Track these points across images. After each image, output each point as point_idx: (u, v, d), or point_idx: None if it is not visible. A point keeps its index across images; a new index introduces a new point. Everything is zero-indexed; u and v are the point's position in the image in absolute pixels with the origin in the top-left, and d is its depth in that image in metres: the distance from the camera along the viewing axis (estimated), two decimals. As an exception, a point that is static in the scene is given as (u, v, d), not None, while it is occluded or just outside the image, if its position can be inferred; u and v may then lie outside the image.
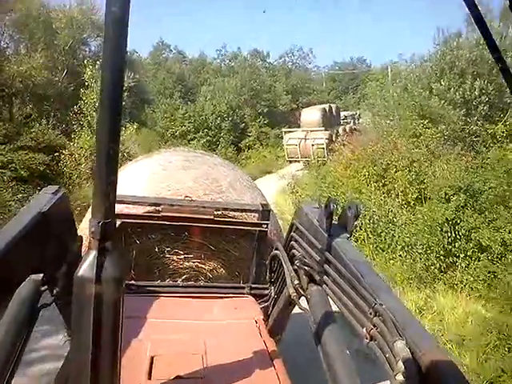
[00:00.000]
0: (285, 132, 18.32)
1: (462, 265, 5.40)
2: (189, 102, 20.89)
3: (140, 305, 1.77)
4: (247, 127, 21.64)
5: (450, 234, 5.49)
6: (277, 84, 24.67)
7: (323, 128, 17.72)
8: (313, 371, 1.39)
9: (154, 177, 2.49)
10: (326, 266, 1.27)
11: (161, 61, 24.81)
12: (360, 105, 28.40)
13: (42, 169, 8.48)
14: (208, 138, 20.39)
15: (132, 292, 1.84)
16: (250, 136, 21.13)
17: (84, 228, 2.18)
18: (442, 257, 5.49)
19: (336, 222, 1.32)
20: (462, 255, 5.43)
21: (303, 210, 1.56)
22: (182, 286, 2.09)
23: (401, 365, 0.77)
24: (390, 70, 24.98)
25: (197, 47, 34.71)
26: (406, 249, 5.88)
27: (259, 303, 1.90)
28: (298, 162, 16.95)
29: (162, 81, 22.81)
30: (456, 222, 5.55)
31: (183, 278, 2.32)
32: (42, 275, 1.14)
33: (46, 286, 1.15)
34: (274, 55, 31.77)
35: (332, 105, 21.81)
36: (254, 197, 2.51)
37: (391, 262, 5.91)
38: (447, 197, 5.86)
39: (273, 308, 1.81)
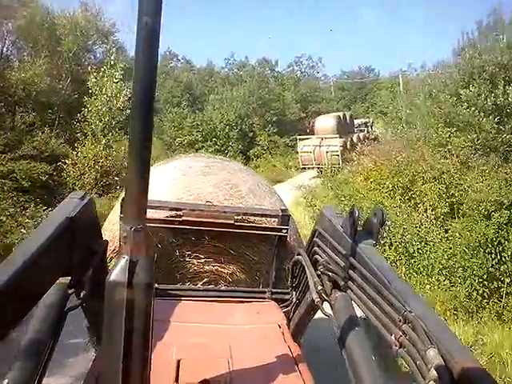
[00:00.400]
0: (299, 139, 19.68)
1: (509, 290, 5.17)
2: (197, 111, 21.96)
3: (163, 308, 1.95)
4: (256, 136, 22.47)
5: (493, 256, 5.23)
6: (285, 93, 25.62)
7: (338, 135, 18.94)
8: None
9: (174, 182, 2.80)
10: (350, 272, 1.36)
11: (168, 70, 25.97)
12: (369, 113, 30.01)
13: (44, 179, 8.90)
14: (216, 146, 21.21)
15: (155, 296, 2.07)
16: (258, 145, 21.95)
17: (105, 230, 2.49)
18: (485, 282, 5.24)
19: (361, 229, 1.41)
20: (507, 280, 5.21)
21: (325, 216, 1.70)
22: (203, 290, 2.31)
23: (434, 373, 0.82)
24: (401, 78, 25.52)
25: (204, 57, 36.75)
26: (443, 272, 5.58)
27: (280, 308, 2.07)
28: (312, 169, 18.19)
29: (169, 89, 23.96)
30: (499, 241, 5.29)
31: (203, 281, 2.57)
32: (69, 279, 1.29)
33: (73, 290, 1.30)
34: (282, 64, 32.97)
35: (346, 113, 23.24)
36: (273, 202, 2.79)
37: (427, 286, 5.58)
38: (488, 213, 5.62)
39: (294, 313, 1.96)
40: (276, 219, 2.39)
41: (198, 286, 2.55)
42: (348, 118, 21.99)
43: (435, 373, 0.81)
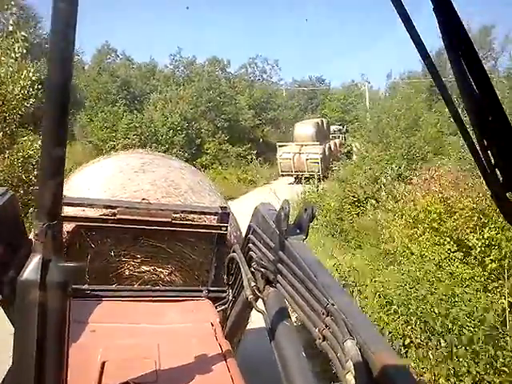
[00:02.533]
0: (279, 146, 21.63)
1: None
2: (135, 111, 20.98)
3: (94, 309, 2.11)
4: (204, 143, 22.35)
5: None
6: (238, 97, 26.05)
7: (318, 142, 20.99)
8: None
9: (110, 179, 3.00)
10: (281, 268, 1.51)
11: (105, 66, 25.19)
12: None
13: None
14: (157, 153, 20.95)
15: (86, 296, 2.20)
16: (207, 153, 21.80)
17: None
18: None
19: (292, 224, 1.57)
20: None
21: (260, 211, 1.89)
22: (138, 290, 2.51)
23: (350, 364, 0.92)
24: (367, 89, 27.78)
25: (147, 54, 36.37)
26: None
27: (217, 306, 2.31)
28: (292, 176, 20.20)
29: (103, 84, 22.98)
30: None
31: (140, 281, 2.78)
32: None
33: None
34: (235, 65, 34.57)
35: (323, 119, 25.41)
36: (214, 200, 3.11)
37: None
38: None
39: (231, 311, 2.18)
40: (216, 217, 2.68)
41: (136, 285, 2.75)
42: (325, 125, 24.09)
43: (351, 363, 0.92)
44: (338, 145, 23.23)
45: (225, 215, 2.64)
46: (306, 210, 1.54)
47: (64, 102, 0.80)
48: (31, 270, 0.85)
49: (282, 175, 20.79)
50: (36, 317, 0.84)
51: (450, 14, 0.68)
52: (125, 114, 20.51)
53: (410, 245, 6.22)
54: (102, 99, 22.57)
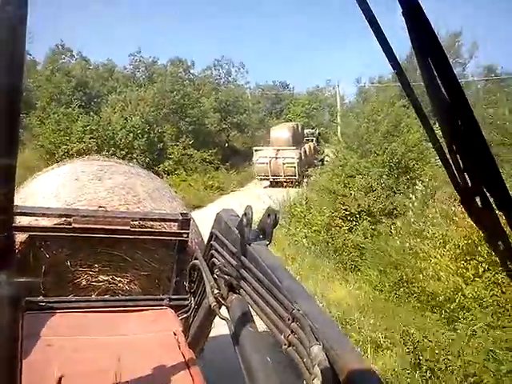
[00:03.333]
0: (255, 150, 22.73)
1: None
2: (91, 113, 20.34)
3: (49, 323, 2.12)
4: (167, 148, 22.11)
5: None
6: (203, 99, 26.09)
7: (294, 147, 22.09)
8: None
9: (65, 187, 3.03)
10: (245, 274, 1.55)
11: (59, 66, 24.43)
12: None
13: None
14: (116, 158, 20.14)
15: (41, 309, 2.21)
16: (170, 158, 21.58)
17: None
18: None
19: (255, 230, 1.60)
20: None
21: (222, 217, 1.94)
22: (96, 301, 2.54)
23: (317, 369, 0.95)
24: (338, 94, 28.79)
25: (105, 55, 35.70)
26: None
27: (179, 314, 2.37)
28: (268, 179, 21.39)
29: (56, 84, 22.26)
30: None
31: (98, 292, 2.83)
32: None
33: None
34: (198, 67, 34.39)
35: (298, 123, 26.80)
36: (174, 206, 3.21)
37: None
38: None
39: (193, 319, 2.26)
40: (176, 224, 2.79)
41: (93, 296, 2.79)
42: (299, 129, 25.21)
43: (318, 369, 0.95)
44: (312, 148, 24.54)
45: (185, 222, 2.72)
46: (269, 215, 1.56)
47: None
48: None
49: (260, 179, 21.84)
50: None
51: (419, 18, 0.68)
52: (80, 116, 19.79)
53: (464, 286, 4.87)
54: (55, 100, 21.84)
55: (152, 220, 2.83)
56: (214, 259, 1.91)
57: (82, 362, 1.80)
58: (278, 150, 21.77)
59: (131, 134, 20.36)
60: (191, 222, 2.82)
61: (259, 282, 1.44)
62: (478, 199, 0.67)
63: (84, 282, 2.84)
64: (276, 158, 21.42)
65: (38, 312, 2.21)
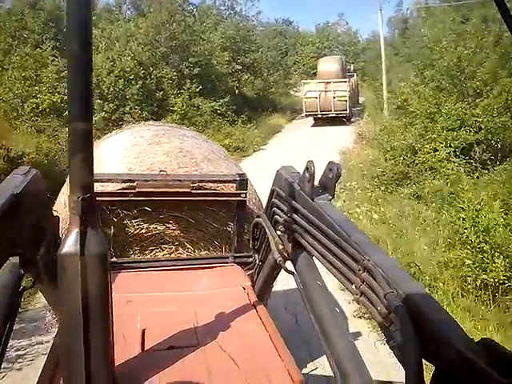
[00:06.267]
0: (304, 83, 27.09)
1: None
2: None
3: (124, 281, 2.91)
4: (168, 97, 22.17)
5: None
6: (208, 34, 26.09)
7: (345, 79, 25.95)
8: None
9: (125, 153, 4.01)
10: (309, 229, 1.94)
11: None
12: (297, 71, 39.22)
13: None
14: (104, 113, 19.65)
15: (115, 269, 3.04)
16: (173, 111, 21.65)
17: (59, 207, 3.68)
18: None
19: (317, 185, 1.99)
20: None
21: (282, 175, 2.37)
22: (164, 260, 3.46)
23: (393, 316, 1.22)
24: (381, 32, 29.46)
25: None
26: None
27: (244, 271, 3.14)
28: (316, 116, 25.66)
29: (19, 17, 21.83)
30: None
31: (164, 252, 3.88)
32: (19, 258, 1.78)
33: (25, 269, 1.81)
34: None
35: (342, 56, 31.43)
36: (230, 167, 4.18)
37: None
38: None
39: (258, 275, 2.86)
40: (234, 184, 3.69)
41: (159, 256, 3.85)
42: (344, 62, 29.01)
43: (395, 316, 1.21)
44: (356, 84, 28.52)
45: (243, 182, 3.61)
46: (330, 169, 1.94)
47: (86, 77, 1.11)
48: (70, 243, 1.18)
49: (307, 115, 26.03)
50: (79, 288, 1.17)
51: None
52: (53, 58, 18.80)
53: None
54: (19, 39, 21.33)
55: (211, 182, 3.76)
56: (276, 216, 2.39)
57: (162, 316, 2.33)
58: (328, 82, 25.34)
59: (121, 81, 20.23)
60: (248, 181, 3.77)
61: (325, 235, 1.80)
62: None
63: (150, 244, 3.88)
64: (326, 91, 25.08)
65: (114, 271, 3.08)
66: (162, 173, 3.78)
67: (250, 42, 30.09)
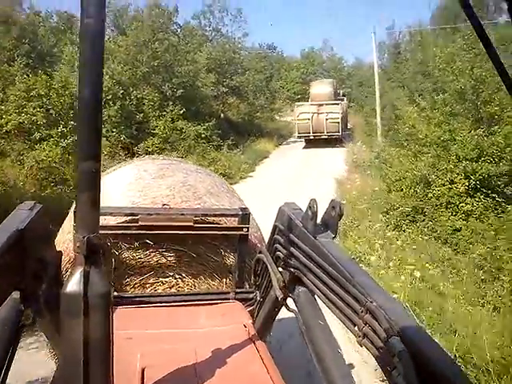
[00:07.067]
0: (296, 105, 29.62)
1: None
2: (40, 72, 18.11)
3: (125, 317, 3.01)
4: (149, 119, 22.40)
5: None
6: (192, 55, 26.56)
7: (338, 101, 28.43)
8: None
9: (129, 187, 4.35)
10: (311, 267, 2.09)
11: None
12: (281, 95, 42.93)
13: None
14: (74, 137, 18.53)
15: (117, 304, 3.30)
16: (154, 134, 21.85)
17: (59, 241, 4.00)
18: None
19: (319, 223, 2.17)
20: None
21: (285, 211, 2.58)
22: (165, 295, 3.76)
23: (396, 360, 1.32)
24: (375, 50, 31.09)
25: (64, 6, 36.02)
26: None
27: (245, 307, 3.30)
28: (308, 138, 28.17)
29: None
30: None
31: (165, 286, 4.19)
32: (20, 293, 1.94)
33: (26, 304, 1.95)
34: (183, 17, 35.44)
35: (334, 80, 34.02)
36: (233, 201, 4.54)
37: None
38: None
39: (259, 312, 3.09)
40: (236, 218, 4.03)
41: (160, 291, 4.16)
42: (335, 85, 31.76)
43: (397, 360, 1.31)
44: (346, 108, 30.99)
45: (245, 216, 3.94)
46: (333, 207, 2.11)
47: (96, 115, 1.24)
48: (74, 282, 1.28)
49: (299, 137, 28.67)
50: (81, 327, 1.26)
51: None
52: (22, 74, 17.87)
53: None
54: None
55: (213, 215, 4.10)
56: (278, 252, 2.59)
57: (162, 354, 2.51)
58: (321, 104, 27.96)
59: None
60: (250, 216, 4.13)
61: (328, 274, 1.95)
62: None
63: (151, 278, 4.20)
64: (318, 113, 27.63)
65: (114, 307, 3.47)
66: (164, 206, 4.13)
67: (236, 64, 31.14)
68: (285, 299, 2.47)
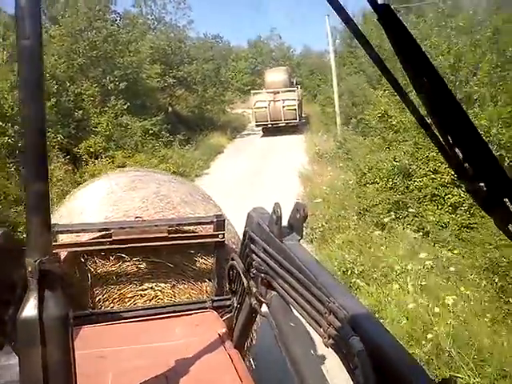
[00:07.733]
0: (253, 93, 31.11)
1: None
2: None
3: (99, 334, 3.18)
4: (89, 117, 21.80)
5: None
6: (138, 45, 26.27)
7: (295, 88, 30.10)
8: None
9: (102, 201, 4.55)
10: (279, 271, 2.24)
11: None
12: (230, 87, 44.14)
13: None
14: (7, 138, 16.76)
15: (90, 322, 3.48)
16: (96, 133, 21.30)
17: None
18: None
19: (285, 226, 2.33)
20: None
21: (253, 216, 2.73)
22: (141, 309, 3.96)
23: (356, 360, 1.41)
24: (330, 43, 31.50)
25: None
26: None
27: (223, 315, 3.47)
28: (266, 126, 29.73)
29: None
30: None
31: (144, 299, 4.45)
32: None
33: None
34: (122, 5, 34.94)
35: (288, 67, 35.59)
36: (208, 208, 4.82)
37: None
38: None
39: (237, 318, 3.22)
40: (211, 225, 4.29)
41: (140, 304, 4.41)
42: (290, 73, 33.19)
43: (358, 360, 1.41)
44: (301, 96, 32.08)
45: (220, 223, 4.22)
46: (297, 209, 2.27)
47: (42, 136, 1.30)
48: (29, 307, 1.34)
49: (257, 125, 30.20)
50: (39, 352, 1.32)
51: (391, 20, 0.99)
52: None
53: None
54: None
55: (188, 224, 4.38)
56: (249, 258, 2.73)
57: (134, 371, 2.61)
58: (277, 92, 29.53)
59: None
60: (226, 222, 4.42)
61: (294, 278, 2.08)
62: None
63: (130, 292, 4.44)
64: (275, 101, 29.23)
65: (87, 325, 3.49)
66: (137, 219, 4.38)
67: (182, 53, 31.24)
68: (260, 305, 2.62)
